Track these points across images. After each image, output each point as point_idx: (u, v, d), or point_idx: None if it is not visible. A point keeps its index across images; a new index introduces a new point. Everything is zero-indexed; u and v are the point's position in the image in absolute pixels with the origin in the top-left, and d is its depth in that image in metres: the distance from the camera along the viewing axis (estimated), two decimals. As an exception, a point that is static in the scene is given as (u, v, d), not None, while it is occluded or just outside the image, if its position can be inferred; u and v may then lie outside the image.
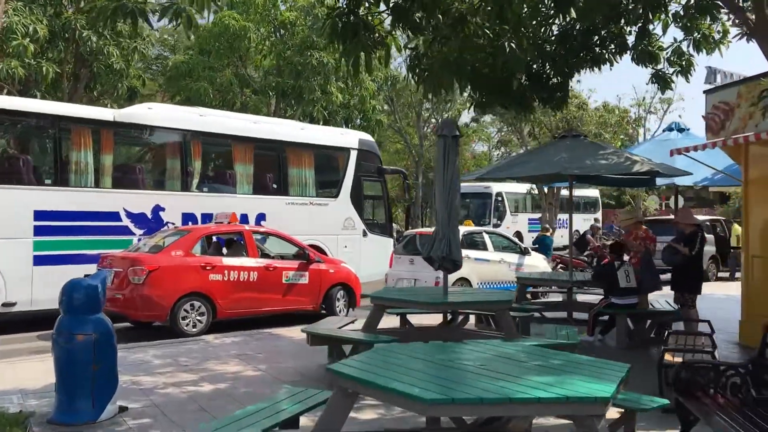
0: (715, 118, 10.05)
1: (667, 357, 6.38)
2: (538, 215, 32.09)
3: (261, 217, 13.86)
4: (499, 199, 31.08)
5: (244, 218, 13.33)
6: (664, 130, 12.96)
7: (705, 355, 6.38)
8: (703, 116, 10.32)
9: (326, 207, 15.21)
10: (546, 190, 30.14)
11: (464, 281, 14.23)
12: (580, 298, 12.09)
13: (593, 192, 34.51)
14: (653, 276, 10.39)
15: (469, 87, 8.63)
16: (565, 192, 36.12)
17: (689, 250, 9.40)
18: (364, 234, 15.74)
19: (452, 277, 14.03)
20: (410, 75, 8.22)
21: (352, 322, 8.56)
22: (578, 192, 29.69)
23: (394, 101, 27.36)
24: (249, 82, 20.80)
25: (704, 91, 10.40)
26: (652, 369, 6.40)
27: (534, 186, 30.19)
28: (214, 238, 11.68)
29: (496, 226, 28.70)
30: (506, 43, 6.99)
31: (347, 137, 16.08)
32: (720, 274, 19.92)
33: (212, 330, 10.57)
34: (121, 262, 10.41)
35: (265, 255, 11.76)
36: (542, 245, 18.72)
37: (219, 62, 20.23)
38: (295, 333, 10.59)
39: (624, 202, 35.97)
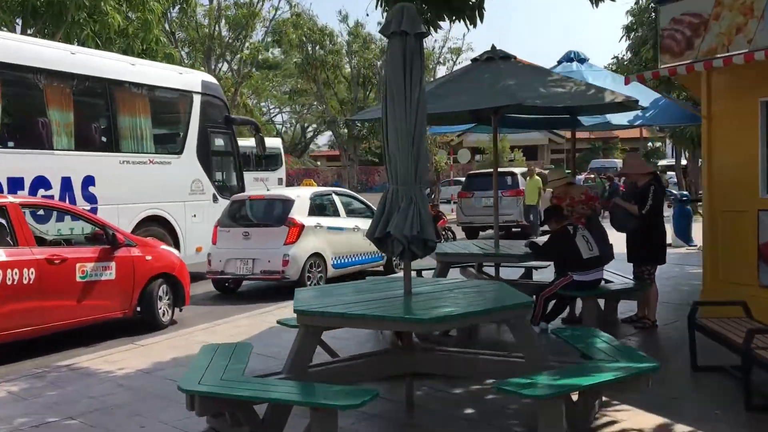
0: (675, 35, 7.78)
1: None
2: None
3: (89, 181, 10.27)
4: None
5: (66, 182, 9.80)
6: (560, 61, 10.70)
7: None
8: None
9: (169, 166, 11.73)
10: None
11: (317, 257, 11.04)
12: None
13: (275, 142, 24.84)
14: (606, 243, 8.11)
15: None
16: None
17: (639, 208, 7.29)
18: (215, 199, 12.43)
19: (300, 253, 10.81)
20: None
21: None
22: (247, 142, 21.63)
23: (176, 35, 22.51)
24: (-20, -6, 15.11)
25: (657, 2, 8.12)
26: None
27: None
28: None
29: None
30: None
31: (188, 78, 12.57)
32: None
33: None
34: None
35: (44, 241, 7.62)
36: None
37: (-69, -37, 14.30)
38: (113, 362, 6.68)
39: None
